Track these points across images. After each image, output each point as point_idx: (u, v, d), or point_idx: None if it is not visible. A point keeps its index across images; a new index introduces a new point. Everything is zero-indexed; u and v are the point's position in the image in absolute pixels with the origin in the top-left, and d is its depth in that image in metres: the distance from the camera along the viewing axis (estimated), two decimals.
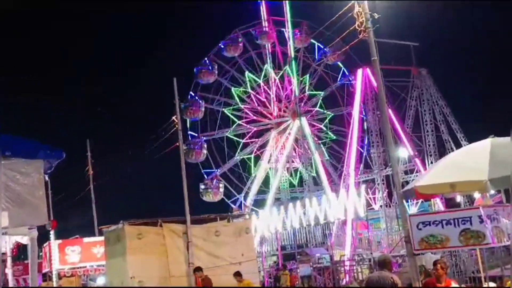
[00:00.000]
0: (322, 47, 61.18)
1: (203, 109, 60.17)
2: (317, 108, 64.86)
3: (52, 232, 27.49)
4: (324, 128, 64.85)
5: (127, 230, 21.27)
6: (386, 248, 47.09)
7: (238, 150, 63.39)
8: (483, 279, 11.92)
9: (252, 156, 63.87)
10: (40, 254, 26.54)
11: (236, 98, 63.50)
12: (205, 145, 60.12)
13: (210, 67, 61.00)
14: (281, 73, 63.98)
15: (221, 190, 60.09)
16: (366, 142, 57.64)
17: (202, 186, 58.47)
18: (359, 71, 53.56)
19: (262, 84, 63.85)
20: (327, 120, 65.03)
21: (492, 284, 11.61)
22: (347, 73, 61.88)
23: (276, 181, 60.85)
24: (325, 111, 64.87)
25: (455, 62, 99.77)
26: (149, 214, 22.13)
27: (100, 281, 28.24)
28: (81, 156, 38.33)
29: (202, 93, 61.80)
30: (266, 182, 62.90)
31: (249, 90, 63.63)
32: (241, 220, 24.98)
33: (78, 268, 28.99)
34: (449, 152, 45.89)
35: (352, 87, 58.86)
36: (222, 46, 61.24)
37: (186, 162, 24.87)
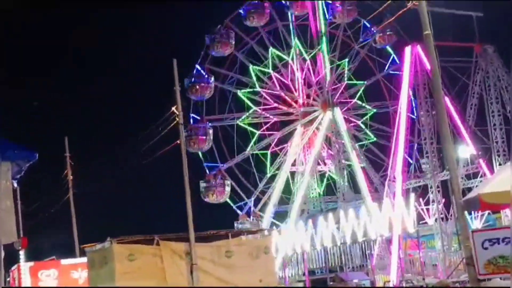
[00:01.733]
0: (368, 25, 60.70)
1: (212, 86, 59.37)
2: (355, 100, 64.05)
3: (22, 252, 27.62)
4: (363, 126, 64.17)
5: (116, 250, 21.34)
6: (443, 272, 46.81)
7: (252, 143, 62.64)
8: None
9: (269, 152, 63.27)
10: (8, 279, 26.65)
11: (254, 78, 62.69)
12: (211, 132, 58.63)
13: (226, 36, 60.16)
14: (313, 53, 62.98)
15: (227, 189, 58.81)
16: (415, 146, 56.92)
17: (203, 184, 57.12)
18: (407, 49, 52.74)
19: (290, 62, 62.84)
20: (367, 116, 64.35)
21: None
22: (397, 61, 60.39)
23: (302, 189, 60.40)
24: (366, 105, 64.07)
25: None
26: (143, 229, 22.06)
27: None
28: (59, 158, 37.98)
29: (212, 67, 61.05)
30: (289, 189, 62.32)
31: (271, 70, 62.77)
32: (259, 238, 24.87)
33: None
34: None
35: (376, 42, 59.98)
36: (243, 12, 60.43)
37: (188, 161, 24.62)
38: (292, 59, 62.89)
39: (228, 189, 58.71)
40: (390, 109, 61.07)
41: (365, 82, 63.96)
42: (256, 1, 60.30)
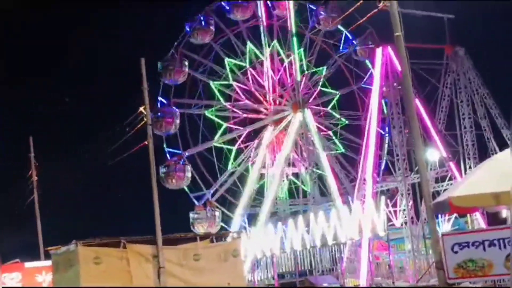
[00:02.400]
0: (350, 37, 61.37)
1: (186, 71, 59.05)
2: (328, 109, 64.07)
3: None
4: (333, 113, 64.10)
5: (82, 253, 21.29)
6: (412, 276, 47.12)
7: (218, 135, 62.59)
8: None
9: (234, 148, 63.16)
10: None
11: (217, 94, 62.63)
12: (178, 115, 57.87)
13: (206, 24, 60.17)
14: (269, 51, 62.83)
15: (188, 174, 57.41)
16: (386, 130, 57.35)
17: (163, 170, 55.43)
18: (378, 51, 53.10)
19: (249, 70, 62.91)
20: (334, 102, 64.36)
21: None
22: (350, 37, 61.37)
23: (272, 191, 60.50)
24: (332, 91, 64.24)
25: (502, 40, 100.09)
26: (109, 232, 22.08)
27: None
28: (22, 157, 37.66)
29: (188, 52, 60.86)
30: (260, 191, 62.39)
31: (247, 64, 62.82)
32: (228, 241, 24.91)
33: None
34: (493, 154, 45.84)
35: (357, 55, 60.33)
36: (188, 30, 60.29)
37: (156, 162, 24.62)
38: (271, 58, 62.75)
39: (188, 175, 57.35)
40: (361, 122, 60.22)
41: (339, 92, 63.69)
42: None
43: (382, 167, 57.41)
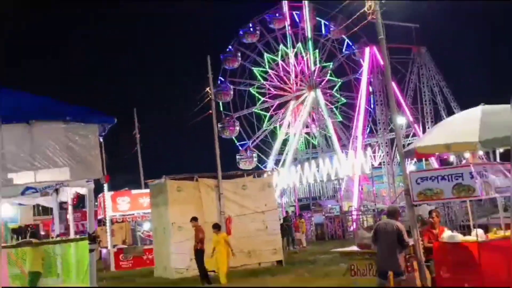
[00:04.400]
0: (351, 43, 61.28)
1: (231, 92, 60.51)
2: (328, 77, 63.85)
3: (105, 185, 27.70)
4: (336, 94, 64.21)
5: (169, 184, 21.41)
6: (388, 200, 47.01)
7: (258, 104, 63.16)
8: (471, 227, 11.84)
9: (278, 125, 63.53)
10: (96, 203, 26.82)
11: (259, 77, 63.16)
12: (237, 123, 60.50)
13: (253, 30, 61.30)
14: (294, 51, 62.89)
15: (255, 159, 60.11)
16: (372, 106, 57.32)
17: (238, 157, 58.71)
18: (367, 50, 53.81)
19: (280, 62, 63.20)
20: (337, 87, 64.36)
21: (479, 232, 11.55)
22: (350, 44, 61.31)
23: (294, 144, 60.81)
24: (336, 79, 63.98)
25: (452, 40, 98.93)
26: (187, 170, 22.21)
27: (146, 226, 28.53)
28: (130, 120, 38.05)
29: (230, 78, 61.80)
30: (284, 144, 62.73)
31: (268, 69, 63.08)
32: (265, 177, 24.94)
33: (127, 215, 29.30)
34: (443, 119, 45.71)
35: (355, 55, 60.42)
36: (241, 33, 61.03)
37: (216, 115, 24.79)
38: (282, 59, 63.58)
39: (237, 129, 60.40)
40: (351, 78, 62.07)
41: (340, 80, 63.64)
42: (251, 23, 61.98)
43: (368, 129, 57.10)
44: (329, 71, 63.89)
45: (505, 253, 11.15)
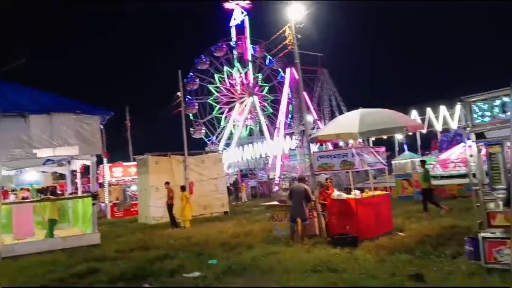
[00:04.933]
0: (271, 58, 60.20)
1: (196, 106, 59.48)
2: (264, 93, 62.90)
3: (105, 159, 27.11)
4: (267, 106, 62.89)
5: (150, 159, 21.16)
6: (299, 171, 47.71)
7: (215, 110, 61.91)
8: (352, 188, 12.19)
9: (223, 116, 62.43)
10: (97, 171, 26.19)
11: (217, 80, 61.65)
12: (203, 127, 59.89)
13: (205, 59, 60.23)
14: (245, 71, 62.07)
15: (203, 131, 59.35)
16: (290, 110, 57.59)
17: (191, 129, 57.42)
18: (288, 70, 54.24)
19: (234, 74, 62.07)
20: (266, 90, 63.40)
21: (357, 192, 11.92)
22: (283, 75, 60.06)
23: (238, 133, 60.63)
24: (265, 84, 63.24)
25: (345, 65, 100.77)
26: (164, 149, 21.82)
27: (133, 188, 28.04)
28: (123, 113, 36.88)
29: (198, 74, 60.32)
30: (232, 133, 62.22)
31: (219, 85, 61.77)
32: (217, 154, 24.89)
33: (120, 180, 28.78)
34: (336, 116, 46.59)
35: (274, 67, 59.94)
36: (196, 62, 60.16)
37: (185, 118, 24.25)
38: (238, 72, 62.19)
39: (203, 131, 59.76)
40: (279, 99, 59.87)
41: (268, 84, 63.19)
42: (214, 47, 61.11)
43: (289, 121, 57.42)
44: (260, 80, 62.91)
45: (372, 206, 11.62)
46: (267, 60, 61.66)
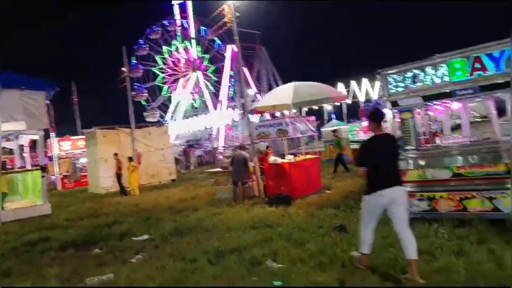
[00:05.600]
0: (205, 29, 58.17)
1: (141, 70, 56.68)
2: (206, 64, 60.63)
3: (53, 133, 25.76)
4: (210, 74, 61.09)
5: (98, 132, 20.44)
6: (241, 140, 47.89)
7: (159, 78, 59.43)
8: (286, 154, 12.46)
9: (166, 86, 60.02)
10: (46, 145, 24.86)
11: (159, 61, 59.14)
12: (146, 91, 57.14)
13: (143, 46, 57.30)
14: (183, 46, 59.62)
15: (157, 114, 56.49)
16: (232, 84, 56.96)
17: (145, 113, 54.89)
18: (229, 46, 53.33)
19: (174, 52, 59.49)
20: (211, 70, 60.96)
21: (290, 157, 12.20)
22: (220, 43, 58.42)
23: (183, 106, 59.37)
24: (211, 65, 61.00)
25: (282, 43, 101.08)
26: (111, 122, 21.09)
27: (83, 160, 26.95)
28: (71, 87, 34.52)
29: (141, 61, 57.53)
30: (178, 105, 60.61)
31: (166, 57, 59.35)
32: (163, 127, 24.43)
33: (70, 153, 27.52)
34: None
35: (223, 51, 57.55)
36: (148, 32, 57.52)
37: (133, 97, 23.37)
38: (176, 50, 59.88)
39: (145, 96, 57.32)
40: (220, 65, 58.48)
41: (214, 66, 61.25)
42: (148, 30, 58.09)
43: (231, 95, 56.96)
44: (206, 60, 60.94)
45: (304, 169, 11.99)
46: (202, 31, 59.50)
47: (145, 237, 8.56)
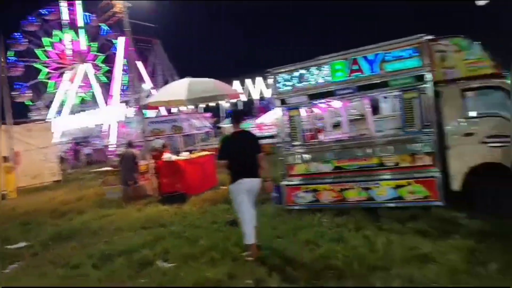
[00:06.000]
0: (107, 29, 54.93)
1: (21, 68, 51.17)
2: (95, 53, 56.66)
3: None
4: (101, 64, 57.24)
5: None
6: (134, 137, 45.95)
7: (42, 74, 54.41)
8: (181, 151, 12.33)
9: (53, 82, 55.22)
10: None
11: (41, 55, 53.79)
12: (29, 90, 52.24)
13: (19, 40, 51.61)
14: (69, 36, 55.01)
15: (27, 95, 51.82)
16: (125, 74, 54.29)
17: (14, 93, 48.42)
18: (120, 38, 50.71)
19: (56, 43, 54.54)
20: (101, 59, 57.43)
21: (186, 153, 12.08)
22: (108, 29, 55.13)
23: (70, 100, 55.00)
24: (100, 54, 57.31)
25: (182, 39, 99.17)
26: None
27: None
28: None
29: (20, 57, 51.42)
30: (64, 100, 55.91)
31: (47, 49, 54.06)
32: (46, 123, 22.45)
33: None
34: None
35: (113, 38, 54.57)
36: (25, 23, 51.84)
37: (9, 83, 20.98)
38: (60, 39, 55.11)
39: (28, 95, 52.44)
40: (113, 69, 54.36)
41: (104, 55, 57.46)
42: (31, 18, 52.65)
43: (124, 88, 54.28)
44: (95, 48, 56.90)
45: (199, 165, 11.96)
46: (102, 30, 56.28)
47: (22, 244, 7.79)
